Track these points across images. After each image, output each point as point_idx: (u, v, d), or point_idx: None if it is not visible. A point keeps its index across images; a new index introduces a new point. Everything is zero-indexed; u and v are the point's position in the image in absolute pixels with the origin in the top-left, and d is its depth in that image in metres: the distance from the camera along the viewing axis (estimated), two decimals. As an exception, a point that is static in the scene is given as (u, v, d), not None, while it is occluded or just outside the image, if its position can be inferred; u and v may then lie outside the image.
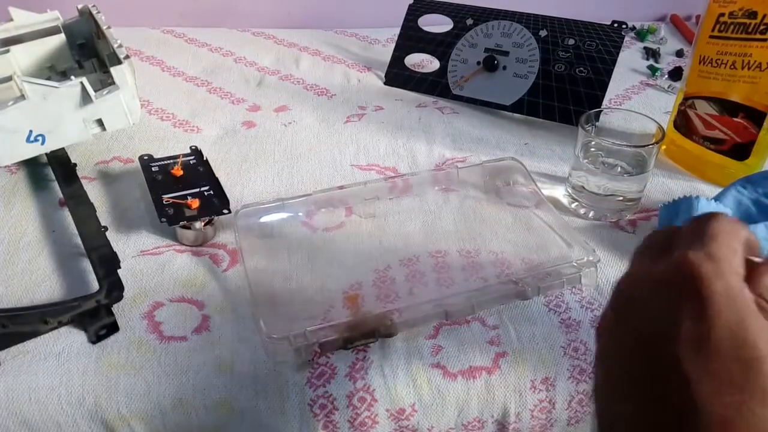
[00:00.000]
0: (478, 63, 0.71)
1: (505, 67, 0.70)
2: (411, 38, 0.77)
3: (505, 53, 0.70)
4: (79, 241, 0.46)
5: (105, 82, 0.57)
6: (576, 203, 0.53)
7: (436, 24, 0.75)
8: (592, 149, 0.52)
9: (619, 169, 0.52)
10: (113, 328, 0.40)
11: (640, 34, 0.94)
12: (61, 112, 0.50)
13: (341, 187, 0.51)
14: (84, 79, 0.49)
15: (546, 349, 0.41)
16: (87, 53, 0.65)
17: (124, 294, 0.42)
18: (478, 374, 0.39)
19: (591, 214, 0.52)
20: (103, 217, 0.49)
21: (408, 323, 0.41)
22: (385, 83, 0.76)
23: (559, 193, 0.55)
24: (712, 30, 0.54)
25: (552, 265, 0.45)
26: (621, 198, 0.51)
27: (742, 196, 0.50)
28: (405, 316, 0.41)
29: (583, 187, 0.52)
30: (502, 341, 0.41)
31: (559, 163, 0.59)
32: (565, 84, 0.66)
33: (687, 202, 0.47)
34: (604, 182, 0.51)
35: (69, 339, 0.40)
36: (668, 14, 1.04)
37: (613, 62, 0.65)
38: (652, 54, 0.88)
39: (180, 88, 0.73)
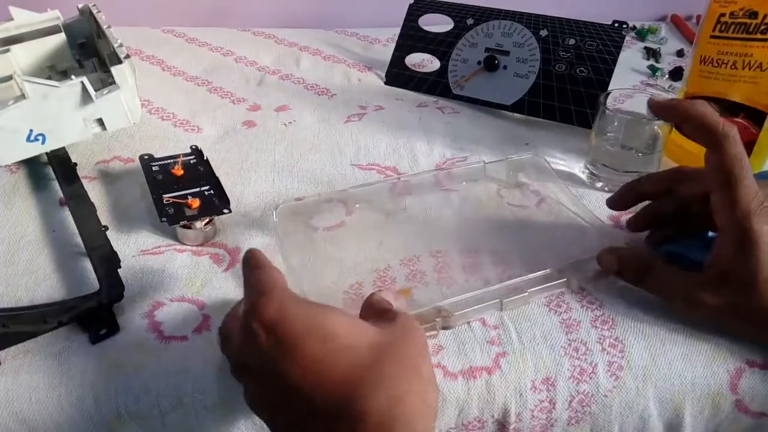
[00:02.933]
0: (479, 63, 0.71)
1: (505, 67, 0.70)
2: (411, 38, 0.77)
3: (506, 53, 0.70)
4: (79, 240, 0.46)
5: (105, 81, 0.57)
6: (594, 178, 0.56)
7: (436, 24, 0.75)
8: (609, 133, 0.54)
9: (633, 151, 0.54)
10: (113, 328, 0.40)
11: (641, 34, 0.94)
12: (61, 111, 0.50)
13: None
14: (84, 79, 0.49)
15: (546, 349, 0.41)
16: (87, 53, 0.65)
17: (124, 294, 0.42)
18: (479, 374, 0.39)
19: (608, 187, 0.55)
20: (104, 216, 0.49)
21: (465, 315, 0.41)
22: (386, 83, 0.76)
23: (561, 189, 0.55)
24: (713, 30, 0.54)
25: (586, 255, 0.45)
26: (637, 174, 0.52)
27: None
28: (461, 307, 0.41)
29: (604, 164, 0.55)
30: (503, 341, 0.41)
31: (560, 162, 0.59)
32: (566, 84, 0.66)
33: None
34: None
35: (69, 339, 0.40)
36: (669, 14, 1.04)
37: (614, 62, 0.65)
38: (652, 54, 0.88)
39: (180, 88, 0.73)
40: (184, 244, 0.48)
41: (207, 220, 0.48)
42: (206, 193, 0.49)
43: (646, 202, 0.48)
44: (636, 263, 0.43)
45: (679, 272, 0.42)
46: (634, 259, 0.43)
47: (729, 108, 0.54)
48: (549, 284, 0.44)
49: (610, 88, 0.54)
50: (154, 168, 0.52)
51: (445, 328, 0.41)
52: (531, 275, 0.44)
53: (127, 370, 0.38)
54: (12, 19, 0.62)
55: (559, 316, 0.43)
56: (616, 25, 0.66)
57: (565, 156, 0.61)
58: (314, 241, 0.48)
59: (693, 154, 0.58)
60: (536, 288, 0.43)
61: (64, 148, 0.55)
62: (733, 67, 0.53)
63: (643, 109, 0.53)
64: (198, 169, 0.52)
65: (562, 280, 0.44)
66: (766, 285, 0.37)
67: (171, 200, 0.48)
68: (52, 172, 0.54)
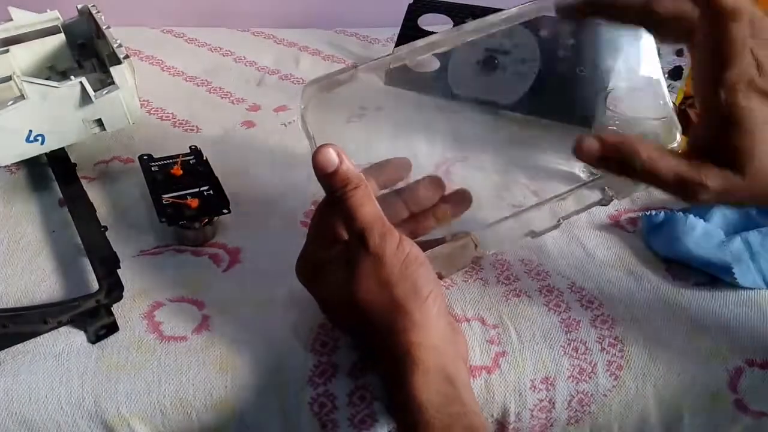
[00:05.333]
0: (478, 62, 0.71)
1: (505, 67, 0.70)
2: (411, 38, 0.76)
3: (506, 53, 0.70)
4: (79, 241, 0.46)
5: (105, 81, 0.57)
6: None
7: (436, 24, 0.75)
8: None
9: None
10: (113, 328, 0.40)
11: (640, 34, 0.94)
12: (60, 112, 0.50)
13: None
14: (84, 79, 0.49)
15: (546, 348, 0.41)
16: (87, 53, 0.65)
17: (123, 294, 0.42)
18: (478, 374, 0.39)
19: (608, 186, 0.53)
20: (103, 217, 0.49)
21: (493, 244, 0.40)
22: (385, 83, 0.76)
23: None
24: (712, 29, 0.54)
25: None
26: None
27: (742, 196, 0.50)
28: (489, 236, 0.40)
29: None
30: (502, 340, 0.41)
31: (560, 162, 0.59)
32: (566, 84, 0.66)
33: (672, 218, 0.48)
34: None
35: (69, 339, 0.40)
36: (668, 14, 1.03)
37: (614, 62, 0.65)
38: (652, 53, 0.88)
39: (180, 88, 0.73)
40: (183, 244, 0.48)
41: (206, 220, 0.48)
42: (205, 193, 0.49)
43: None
44: (622, 149, 0.35)
45: (667, 155, 0.35)
46: (620, 143, 0.35)
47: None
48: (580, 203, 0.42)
49: (609, 88, 0.54)
50: (153, 168, 0.52)
51: (476, 260, 0.40)
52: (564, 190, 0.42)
53: (127, 370, 0.38)
54: (11, 19, 0.62)
55: (559, 315, 0.43)
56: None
57: (564, 156, 0.60)
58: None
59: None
60: (567, 206, 0.42)
61: (63, 148, 0.55)
62: (732, 66, 0.53)
63: (643, 108, 0.53)
64: (197, 170, 0.52)
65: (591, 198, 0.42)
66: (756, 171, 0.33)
67: (170, 200, 0.48)
68: (52, 172, 0.54)
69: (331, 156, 0.35)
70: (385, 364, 0.36)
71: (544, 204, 0.42)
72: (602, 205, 0.43)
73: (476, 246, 0.40)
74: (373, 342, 0.37)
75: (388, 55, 0.39)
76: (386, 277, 0.34)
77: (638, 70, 0.47)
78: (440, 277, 0.40)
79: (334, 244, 0.38)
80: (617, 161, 0.35)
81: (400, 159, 0.41)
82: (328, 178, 0.35)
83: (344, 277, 0.36)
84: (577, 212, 0.43)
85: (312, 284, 0.39)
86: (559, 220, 0.42)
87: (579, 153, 0.36)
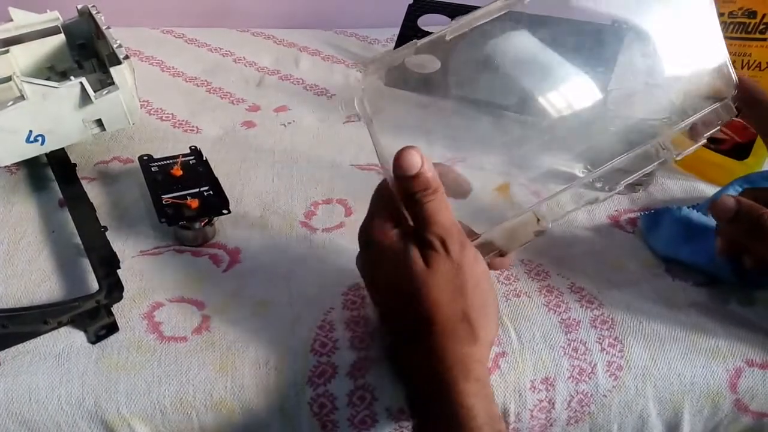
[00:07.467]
0: (478, 63, 0.71)
1: (505, 67, 0.70)
2: (411, 38, 0.76)
3: (505, 53, 0.70)
4: (79, 241, 0.46)
5: (104, 82, 0.57)
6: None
7: (435, 24, 0.75)
8: None
9: None
10: (113, 328, 0.40)
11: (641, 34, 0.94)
12: (60, 112, 0.50)
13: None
14: (83, 80, 0.49)
15: (545, 349, 0.41)
16: (87, 53, 0.65)
17: (123, 294, 0.42)
18: (478, 374, 0.39)
19: (608, 186, 0.52)
20: (103, 217, 0.49)
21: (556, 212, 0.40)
22: (385, 83, 0.76)
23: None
24: (712, 29, 0.54)
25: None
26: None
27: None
28: (551, 205, 0.40)
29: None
30: (502, 341, 0.41)
31: (560, 161, 0.59)
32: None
33: (668, 212, 0.48)
34: None
35: (69, 339, 0.40)
36: (668, 14, 1.03)
37: (614, 62, 0.65)
38: (651, 53, 0.88)
39: (179, 88, 0.73)
40: (183, 244, 0.48)
41: (206, 220, 0.48)
42: (205, 193, 0.49)
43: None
44: (755, 216, 0.38)
45: None
46: (754, 210, 0.38)
47: (728, 107, 0.54)
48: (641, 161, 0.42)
49: (609, 88, 0.54)
50: (153, 168, 0.52)
51: (538, 234, 0.39)
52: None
53: (127, 370, 0.38)
54: (11, 20, 0.62)
55: (559, 315, 0.43)
56: (616, 25, 0.66)
57: (564, 156, 0.60)
58: (314, 241, 0.48)
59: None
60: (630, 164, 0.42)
61: (63, 148, 0.55)
62: (731, 66, 0.53)
63: (642, 108, 0.53)
64: (197, 170, 0.52)
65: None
66: None
67: (170, 201, 0.48)
68: (52, 173, 0.54)
69: (415, 159, 0.36)
70: (425, 364, 0.35)
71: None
72: (595, 202, 0.44)
73: (538, 220, 0.39)
74: (414, 334, 0.36)
75: (443, 29, 0.42)
76: (461, 286, 0.35)
77: (642, 69, 0.47)
78: (502, 254, 0.39)
79: (390, 231, 0.37)
80: (747, 222, 0.38)
81: (464, 179, 0.42)
82: (408, 180, 0.35)
83: (401, 265, 0.35)
84: (575, 209, 0.43)
85: (365, 258, 0.38)
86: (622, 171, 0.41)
87: (714, 210, 0.40)
